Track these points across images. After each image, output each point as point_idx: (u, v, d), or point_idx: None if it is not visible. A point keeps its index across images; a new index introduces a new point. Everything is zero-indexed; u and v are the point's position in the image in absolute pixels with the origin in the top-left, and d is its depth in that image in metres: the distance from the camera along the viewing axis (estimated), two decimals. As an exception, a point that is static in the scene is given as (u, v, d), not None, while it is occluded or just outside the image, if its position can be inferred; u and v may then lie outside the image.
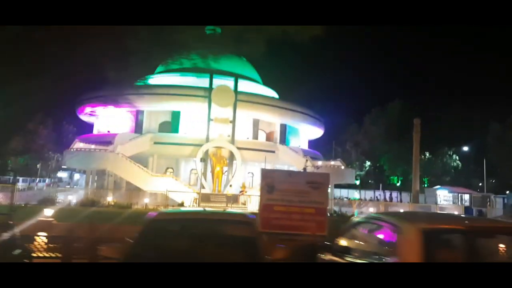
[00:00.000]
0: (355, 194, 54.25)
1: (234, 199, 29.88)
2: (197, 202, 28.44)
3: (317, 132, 46.65)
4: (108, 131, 38.60)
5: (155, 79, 42.11)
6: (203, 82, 35.66)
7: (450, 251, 4.00)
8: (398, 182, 44.48)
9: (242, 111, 36.20)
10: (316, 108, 47.08)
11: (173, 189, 27.42)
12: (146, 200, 24.31)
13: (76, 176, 59.28)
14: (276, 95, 45.73)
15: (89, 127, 44.83)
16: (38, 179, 47.32)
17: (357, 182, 51.56)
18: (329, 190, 38.25)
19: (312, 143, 51.23)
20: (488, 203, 30.69)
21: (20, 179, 50.52)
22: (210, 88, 34.50)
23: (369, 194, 49.37)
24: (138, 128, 37.39)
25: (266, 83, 47.42)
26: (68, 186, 48.51)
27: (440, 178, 41.05)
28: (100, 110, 39.47)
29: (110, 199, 23.23)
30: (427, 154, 40.54)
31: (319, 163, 37.39)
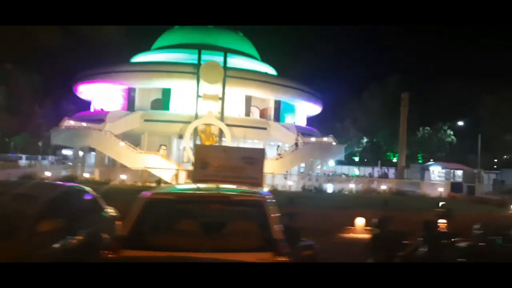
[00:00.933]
0: (355, 171, 53.95)
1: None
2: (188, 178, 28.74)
3: (315, 109, 46.05)
4: (102, 109, 38.94)
5: (148, 56, 42.12)
6: (195, 58, 35.42)
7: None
8: (394, 158, 43.78)
9: (234, 88, 35.85)
10: (315, 85, 46.56)
11: (159, 166, 27.62)
12: (123, 177, 24.60)
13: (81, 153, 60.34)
14: (273, 72, 45.09)
15: (88, 105, 45.33)
16: (40, 156, 48.35)
17: (356, 159, 51.15)
18: (318, 166, 38.27)
19: (312, 120, 50.76)
20: (477, 180, 30.11)
21: (24, 156, 51.81)
22: (198, 64, 34.17)
23: (369, 170, 49.03)
24: (130, 105, 37.58)
25: (265, 60, 46.83)
26: (71, 164, 49.52)
27: (436, 154, 40.17)
28: (94, 87, 39.94)
29: (87, 175, 23.59)
30: (422, 130, 39.63)
31: (312, 139, 37.02)
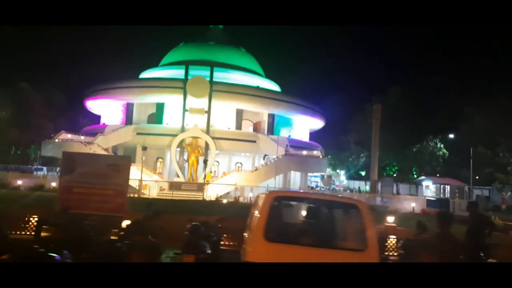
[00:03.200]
0: (366, 186, 52.54)
1: (200, 187, 30.60)
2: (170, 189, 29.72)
3: (316, 123, 45.76)
4: (104, 123, 41.14)
5: (154, 73, 44.04)
6: (195, 74, 36.30)
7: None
8: (391, 172, 42.08)
9: (224, 102, 36.66)
10: (320, 100, 46.57)
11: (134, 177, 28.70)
12: None
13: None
14: (275, 87, 45.52)
15: (99, 119, 47.93)
16: (58, 168, 51.35)
17: (363, 173, 49.82)
18: (298, 178, 37.64)
19: (316, 134, 50.34)
20: (457, 195, 28.42)
21: (45, 168, 55.35)
22: (185, 79, 35.32)
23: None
24: (128, 119, 39.37)
25: (273, 76, 47.41)
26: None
27: (430, 168, 38.15)
28: (99, 103, 42.31)
29: (54, 184, 24.99)
30: (418, 144, 37.90)
31: (304, 152, 36.73)
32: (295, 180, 38.05)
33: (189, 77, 35.55)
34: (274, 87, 45.45)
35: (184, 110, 35.17)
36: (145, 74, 44.24)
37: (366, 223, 4.36)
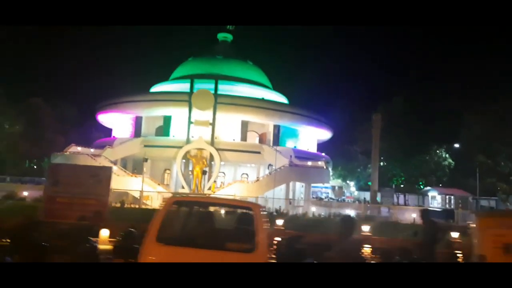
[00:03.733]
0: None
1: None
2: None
3: (324, 134, 45.86)
4: (114, 136, 42.25)
5: (164, 87, 45.10)
6: (201, 87, 36.98)
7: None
8: (397, 183, 41.46)
9: (229, 114, 37.24)
10: (327, 111, 46.53)
11: (138, 188, 29.43)
12: None
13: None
14: (283, 99, 45.97)
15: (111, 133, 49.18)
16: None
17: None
18: (302, 189, 37.53)
19: (324, 145, 50.35)
20: (460, 205, 27.91)
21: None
22: (191, 92, 36.11)
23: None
24: (137, 132, 40.35)
25: (279, 89, 47.85)
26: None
27: (436, 178, 37.46)
28: (109, 116, 43.52)
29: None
30: (425, 153, 37.36)
31: (309, 163, 36.83)
32: (300, 190, 38.14)
33: (194, 90, 36.30)
34: (281, 99, 45.85)
35: (189, 122, 35.87)
36: (155, 88, 45.34)
37: (257, 226, 4.64)
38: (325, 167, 34.92)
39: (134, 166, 39.46)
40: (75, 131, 49.40)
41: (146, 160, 30.96)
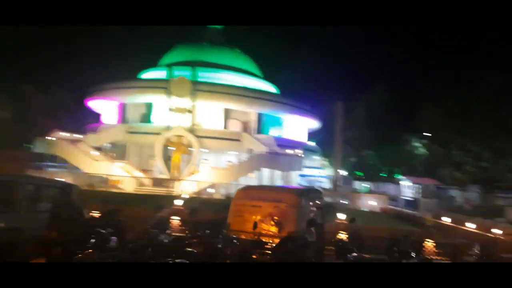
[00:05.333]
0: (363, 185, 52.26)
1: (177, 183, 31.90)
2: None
3: (311, 123, 46.08)
4: (102, 122, 43.21)
5: (151, 74, 45.65)
6: (187, 74, 37.51)
7: None
8: (381, 172, 41.56)
9: (209, 101, 37.76)
10: (317, 100, 46.57)
11: (110, 172, 30.32)
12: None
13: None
14: (272, 88, 46.13)
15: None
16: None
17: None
18: (288, 177, 37.69)
19: (317, 134, 50.47)
20: (420, 195, 28.25)
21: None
22: (168, 80, 36.72)
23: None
24: (123, 119, 41.22)
25: (271, 78, 47.99)
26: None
27: (410, 167, 37.43)
28: (96, 103, 44.46)
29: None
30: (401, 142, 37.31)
31: (289, 151, 37.20)
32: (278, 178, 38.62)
33: (174, 77, 36.87)
34: (268, 87, 46.00)
35: (169, 109, 36.48)
36: (144, 75, 45.95)
37: None
38: (301, 155, 35.25)
39: (119, 152, 40.53)
40: (69, 117, 50.63)
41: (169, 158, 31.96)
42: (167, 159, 36.58)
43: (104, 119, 43.96)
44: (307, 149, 43.85)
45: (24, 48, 53.08)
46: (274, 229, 7.78)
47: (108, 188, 27.27)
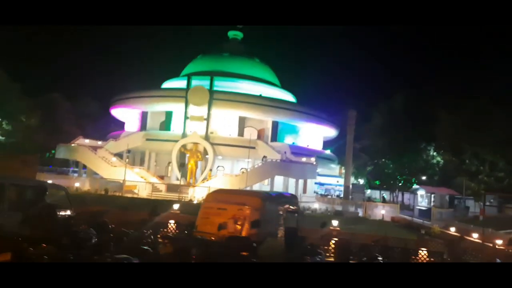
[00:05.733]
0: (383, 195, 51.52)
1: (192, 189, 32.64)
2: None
3: (328, 131, 46.04)
4: (125, 130, 44.79)
5: (173, 83, 47.05)
6: (207, 84, 38.49)
7: None
8: (399, 181, 40.75)
9: (225, 109, 38.54)
10: (334, 108, 46.44)
11: (127, 178, 31.36)
12: (77, 184, 28.87)
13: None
14: (291, 98, 46.59)
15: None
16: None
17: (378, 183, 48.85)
18: (301, 184, 37.96)
19: (333, 143, 50.33)
20: (433, 204, 27.50)
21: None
22: (187, 89, 37.75)
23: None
24: (143, 127, 42.60)
25: (290, 88, 48.53)
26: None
27: (427, 177, 36.49)
28: (120, 111, 46.13)
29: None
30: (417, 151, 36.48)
31: (303, 159, 37.34)
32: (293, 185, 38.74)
33: (192, 87, 37.92)
34: (286, 96, 46.40)
35: (186, 117, 37.48)
36: (166, 84, 47.46)
37: None
38: (314, 163, 35.31)
39: (138, 158, 41.95)
40: (94, 125, 52.73)
41: (183, 165, 33.00)
42: (183, 165, 37.48)
43: (128, 127, 45.50)
44: (324, 157, 43.87)
45: (54, 61, 55.95)
46: (236, 231, 8.18)
47: (123, 193, 28.23)
